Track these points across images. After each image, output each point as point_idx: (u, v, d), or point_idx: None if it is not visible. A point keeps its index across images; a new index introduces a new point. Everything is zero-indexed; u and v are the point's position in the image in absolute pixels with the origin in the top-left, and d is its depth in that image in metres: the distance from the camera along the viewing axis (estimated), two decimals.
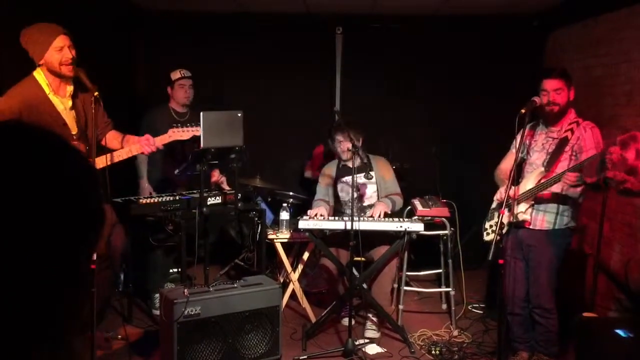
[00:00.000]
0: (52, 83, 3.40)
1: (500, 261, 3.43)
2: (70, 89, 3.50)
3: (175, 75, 5.12)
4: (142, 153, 3.86)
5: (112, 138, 3.83)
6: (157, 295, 4.93)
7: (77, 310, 0.84)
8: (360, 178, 4.61)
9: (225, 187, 4.99)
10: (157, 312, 4.82)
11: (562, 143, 3.74)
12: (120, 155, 3.69)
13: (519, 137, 4.06)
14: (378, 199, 4.77)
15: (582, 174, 3.38)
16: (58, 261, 0.77)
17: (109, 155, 3.63)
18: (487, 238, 4.09)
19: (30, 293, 0.75)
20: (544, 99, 3.68)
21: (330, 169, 4.92)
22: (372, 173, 4.75)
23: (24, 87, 3.36)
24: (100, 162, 3.48)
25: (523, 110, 3.71)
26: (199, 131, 3.99)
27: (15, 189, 0.73)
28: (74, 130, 3.50)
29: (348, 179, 4.62)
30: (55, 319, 0.80)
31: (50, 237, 0.76)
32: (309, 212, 4.63)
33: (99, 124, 3.62)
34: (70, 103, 3.50)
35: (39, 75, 3.38)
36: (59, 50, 3.31)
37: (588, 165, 3.30)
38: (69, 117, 3.47)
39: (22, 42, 3.36)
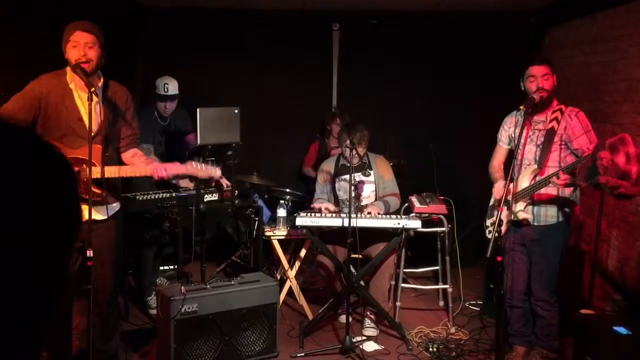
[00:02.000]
0: (77, 79, 3.36)
1: (499, 258, 3.42)
2: (99, 84, 3.42)
3: (159, 88, 5.01)
4: (152, 176, 3.47)
5: (133, 156, 3.59)
6: (151, 297, 4.88)
7: (52, 310, 0.82)
8: (359, 176, 4.61)
9: (225, 182, 4.96)
10: (154, 312, 4.80)
11: (550, 135, 3.72)
12: (128, 172, 3.46)
13: (504, 132, 4.06)
14: (376, 198, 4.75)
15: (576, 175, 3.37)
16: (32, 260, 0.75)
17: (117, 168, 3.42)
18: (489, 236, 4.08)
19: (6, 293, 0.73)
20: (532, 86, 3.66)
21: (329, 165, 4.91)
22: (371, 171, 4.73)
23: (52, 76, 3.34)
24: (108, 172, 3.33)
25: (522, 107, 3.71)
26: (217, 173, 3.61)
27: None
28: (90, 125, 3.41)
29: (347, 177, 4.60)
30: (32, 320, 0.78)
31: (20, 235, 0.73)
32: (314, 205, 4.61)
33: (123, 138, 3.52)
34: (95, 99, 3.41)
35: (69, 69, 3.36)
36: (74, 46, 3.26)
37: (580, 168, 3.28)
38: (88, 114, 3.40)
39: None
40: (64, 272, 0.82)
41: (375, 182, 4.77)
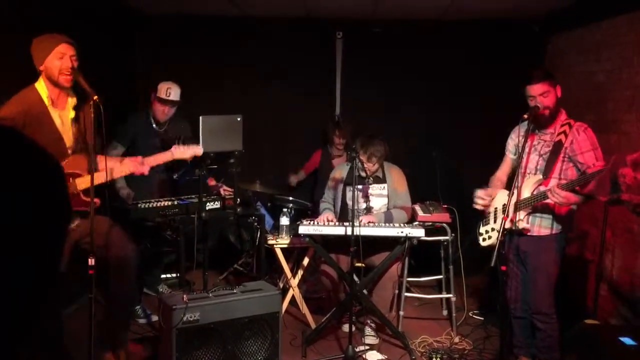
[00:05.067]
0: (52, 94, 3.34)
1: (503, 268, 3.40)
2: (71, 101, 3.44)
3: (162, 92, 4.91)
4: (134, 173, 3.71)
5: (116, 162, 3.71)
6: (139, 307, 4.85)
7: (44, 308, 0.81)
8: (375, 189, 4.60)
9: (225, 190, 4.94)
10: (142, 321, 4.78)
11: (557, 147, 3.70)
12: (116, 174, 3.59)
13: (511, 142, 4.04)
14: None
15: (594, 190, 3.34)
16: (19, 258, 0.75)
17: (108, 172, 3.51)
18: (483, 244, 4.06)
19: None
20: (532, 104, 3.64)
21: (341, 172, 4.87)
22: (385, 184, 4.69)
23: (25, 97, 3.30)
24: (100, 178, 3.38)
25: (525, 116, 3.69)
26: (200, 150, 3.92)
27: None
28: (69, 143, 3.44)
29: (358, 187, 4.53)
30: (27, 314, 0.77)
31: (11, 232, 0.73)
32: (319, 218, 4.58)
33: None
34: (71, 115, 3.44)
35: (40, 86, 3.33)
36: (59, 57, 3.26)
37: (599, 183, 3.24)
38: (67, 131, 3.42)
39: (30, 48, 3.33)
40: (54, 270, 0.81)
41: (388, 195, 4.73)
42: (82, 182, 3.28)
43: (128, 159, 3.75)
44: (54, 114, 3.36)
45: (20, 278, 0.74)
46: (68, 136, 3.43)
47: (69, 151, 3.42)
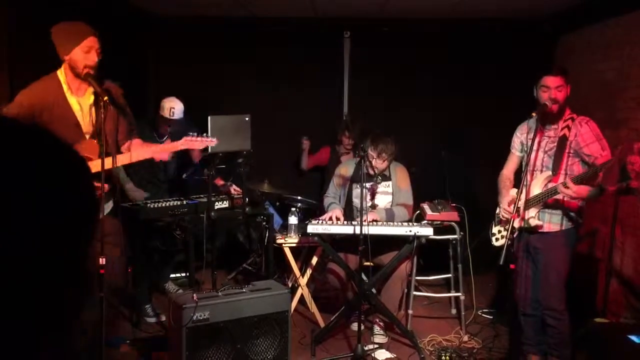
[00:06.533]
0: (72, 82, 3.35)
1: (512, 266, 3.39)
2: (91, 89, 3.44)
3: (165, 111, 4.86)
4: (153, 158, 3.69)
5: (137, 146, 3.68)
6: (149, 306, 4.87)
7: (76, 309, 0.82)
8: (380, 187, 4.60)
9: (234, 190, 4.96)
10: (151, 320, 4.80)
11: (562, 142, 3.69)
12: (123, 160, 3.53)
13: (517, 139, 4.03)
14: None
15: (602, 180, 3.32)
16: (52, 258, 0.75)
17: (128, 155, 3.52)
18: (496, 243, 4.05)
19: (29, 292, 0.73)
20: (545, 96, 3.63)
21: (347, 169, 4.88)
22: (389, 182, 4.70)
23: (43, 84, 3.33)
24: (107, 164, 3.36)
25: (534, 114, 3.68)
26: (214, 142, 3.83)
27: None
28: (86, 129, 3.44)
29: (366, 185, 4.53)
30: (55, 319, 0.78)
31: (39, 232, 0.73)
32: (325, 215, 4.59)
33: (120, 131, 3.55)
34: (90, 101, 3.42)
35: (61, 73, 3.35)
36: (86, 51, 3.26)
37: (607, 172, 3.24)
38: (84, 117, 3.42)
39: (52, 34, 3.30)
40: (82, 270, 0.81)
41: (392, 192, 4.74)
42: (93, 166, 3.28)
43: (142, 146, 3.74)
44: (72, 100, 3.36)
45: (38, 277, 0.74)
46: (85, 122, 3.43)
47: (86, 136, 3.42)
